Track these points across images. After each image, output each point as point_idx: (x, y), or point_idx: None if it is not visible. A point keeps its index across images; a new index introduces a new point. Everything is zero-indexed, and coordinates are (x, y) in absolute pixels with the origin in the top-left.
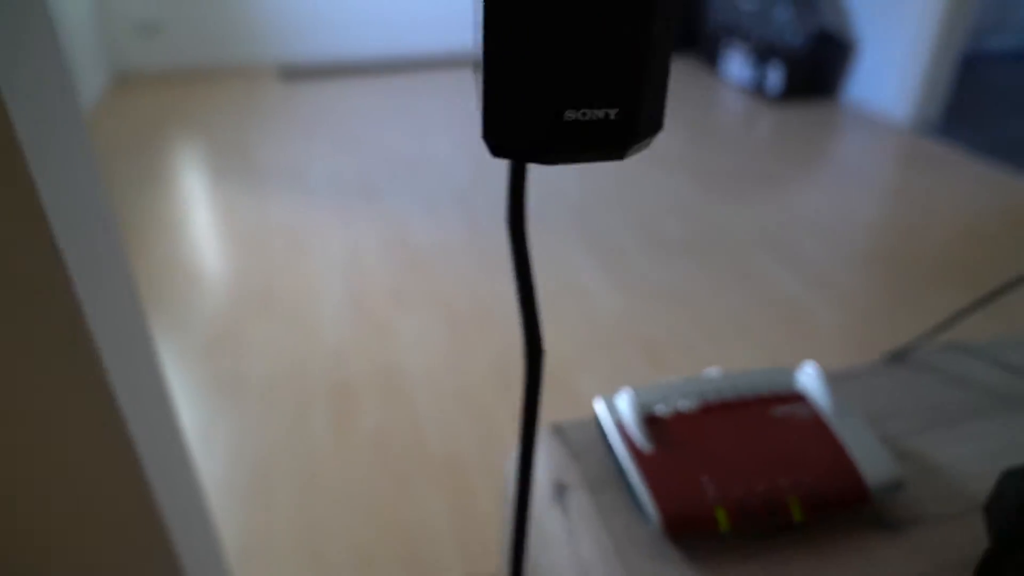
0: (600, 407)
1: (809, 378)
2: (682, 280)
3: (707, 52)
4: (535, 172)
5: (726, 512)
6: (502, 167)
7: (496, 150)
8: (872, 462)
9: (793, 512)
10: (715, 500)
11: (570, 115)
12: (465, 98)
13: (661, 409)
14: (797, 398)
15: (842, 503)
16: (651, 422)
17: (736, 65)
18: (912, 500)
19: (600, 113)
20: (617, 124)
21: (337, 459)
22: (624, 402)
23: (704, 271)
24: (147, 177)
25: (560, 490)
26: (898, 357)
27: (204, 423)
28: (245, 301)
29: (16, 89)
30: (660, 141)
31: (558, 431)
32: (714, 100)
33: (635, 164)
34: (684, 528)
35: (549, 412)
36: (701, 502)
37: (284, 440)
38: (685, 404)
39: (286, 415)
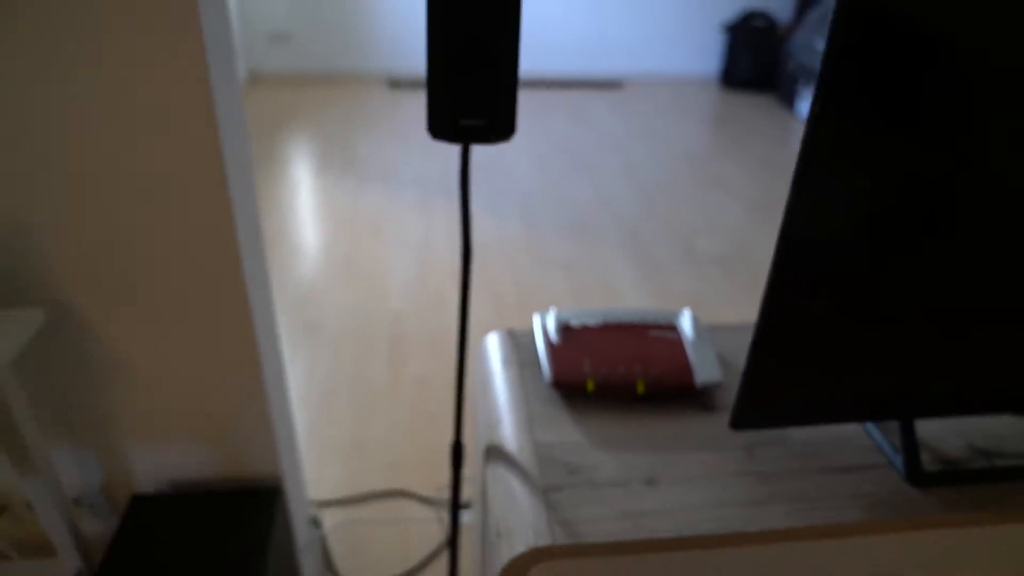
0: (536, 318)
1: (684, 318)
2: (708, 288)
3: (785, 92)
4: (600, 192)
5: (593, 381)
6: (560, 181)
7: (433, 135)
8: (704, 368)
9: (638, 387)
10: (588, 373)
11: (463, 122)
12: (540, 117)
13: (574, 323)
14: (671, 327)
15: (675, 388)
16: (564, 329)
17: (809, 104)
18: (729, 395)
19: (477, 121)
20: (485, 128)
21: (386, 393)
22: (551, 316)
23: (734, 285)
24: (266, 160)
25: (505, 363)
26: None
27: (289, 355)
28: (331, 268)
29: (219, 82)
30: (726, 169)
31: (511, 334)
32: (786, 137)
33: (701, 189)
34: (565, 387)
35: None
36: (579, 372)
37: (348, 374)
38: (591, 321)
39: (352, 357)
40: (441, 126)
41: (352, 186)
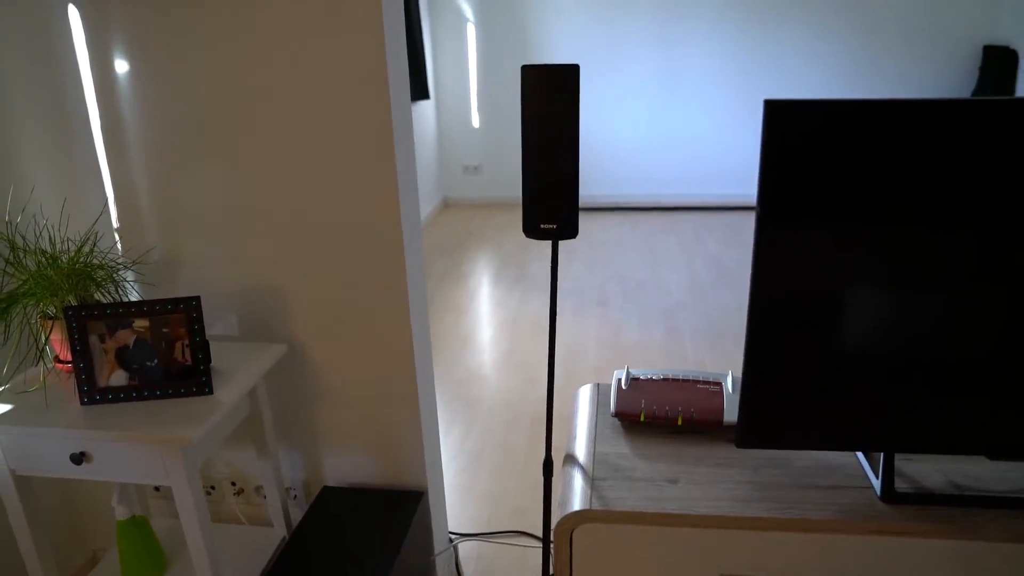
0: (615, 372)
1: (728, 377)
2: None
3: None
4: (741, 301)
5: (645, 414)
6: (706, 293)
7: (526, 235)
8: (733, 411)
9: (678, 420)
10: (642, 408)
11: (543, 225)
12: (693, 237)
13: (642, 376)
14: (716, 383)
15: (707, 423)
16: (633, 379)
17: None
18: None
19: (552, 225)
20: (557, 230)
21: (524, 458)
22: (625, 370)
23: None
24: (451, 272)
25: (590, 403)
26: None
27: (450, 420)
28: (493, 358)
29: (406, 216)
30: None
31: (597, 385)
32: None
33: None
34: (623, 416)
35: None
36: (636, 407)
37: (495, 440)
38: (655, 376)
39: (500, 428)
40: (530, 229)
41: (519, 295)
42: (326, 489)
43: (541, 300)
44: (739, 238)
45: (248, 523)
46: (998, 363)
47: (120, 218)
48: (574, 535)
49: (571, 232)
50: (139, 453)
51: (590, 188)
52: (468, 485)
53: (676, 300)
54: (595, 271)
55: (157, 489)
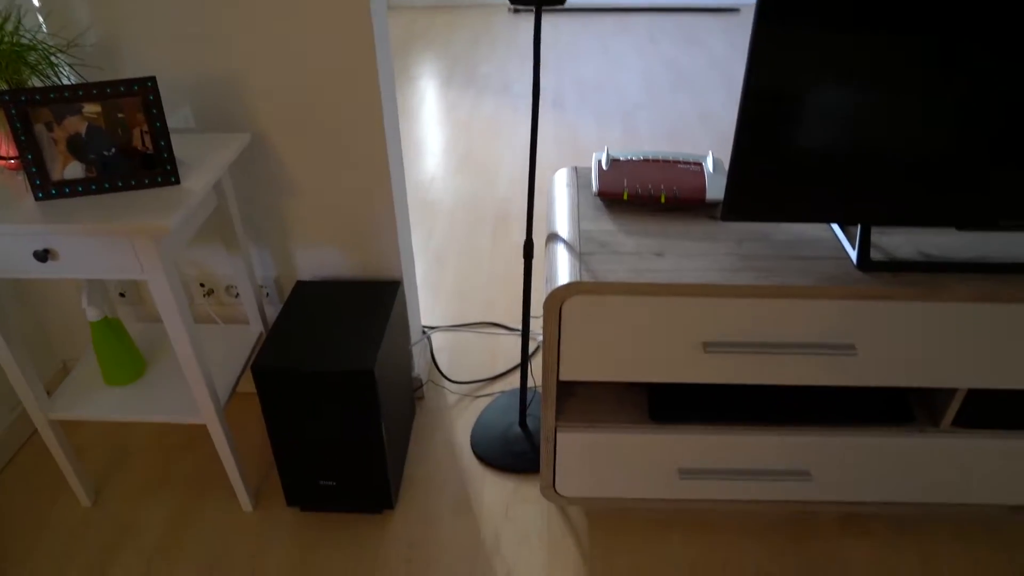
0: (594, 154)
1: (708, 157)
2: None
3: None
4: (700, 107)
5: (628, 192)
6: (663, 97)
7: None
8: (715, 189)
9: (661, 198)
10: (624, 187)
11: None
12: (654, 40)
13: (622, 157)
14: (696, 164)
15: (690, 200)
16: (613, 160)
17: None
18: None
19: None
20: None
21: (489, 255)
22: (604, 152)
23: None
24: (399, 76)
25: (568, 185)
26: None
27: (413, 221)
28: (450, 161)
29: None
30: None
31: (574, 168)
32: None
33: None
34: (607, 195)
35: None
36: (618, 186)
37: (459, 240)
38: (634, 157)
39: (463, 228)
40: None
41: (472, 98)
42: (300, 283)
43: (494, 102)
44: (694, 41)
45: (222, 322)
46: (968, 143)
47: None
48: (563, 308)
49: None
50: (110, 247)
51: None
52: (436, 283)
53: (633, 102)
54: (548, 73)
55: (123, 295)
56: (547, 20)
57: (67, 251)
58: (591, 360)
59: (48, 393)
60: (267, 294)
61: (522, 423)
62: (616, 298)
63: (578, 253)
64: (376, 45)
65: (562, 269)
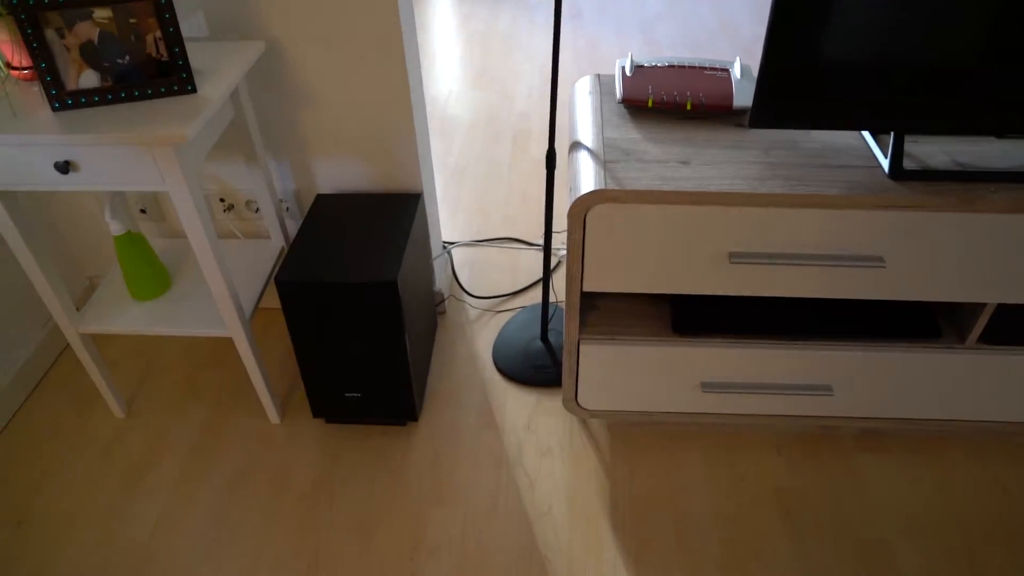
0: (617, 61)
1: (736, 63)
2: None
3: None
4: (721, 16)
5: (653, 99)
6: (683, 6)
7: None
8: (742, 96)
9: (687, 105)
10: (649, 94)
11: None
12: None
13: (646, 64)
14: (723, 70)
15: (716, 108)
16: (637, 67)
17: None
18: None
19: None
20: None
21: (509, 169)
22: (628, 58)
23: None
24: None
25: (591, 93)
26: None
27: (430, 136)
28: (467, 75)
29: None
30: None
31: (597, 76)
32: None
33: None
34: (631, 102)
35: None
36: (643, 93)
37: (478, 154)
38: (659, 63)
39: (482, 142)
40: None
41: (487, 10)
42: (320, 197)
43: (511, 14)
44: None
45: (244, 237)
46: (1009, 45)
47: None
48: (588, 216)
49: None
50: (130, 158)
51: None
52: (455, 198)
53: (653, 12)
54: None
55: (143, 211)
56: None
57: (88, 162)
58: (615, 271)
59: (77, 308)
60: (287, 208)
61: (543, 337)
62: (641, 207)
63: (602, 161)
64: None
65: (586, 177)
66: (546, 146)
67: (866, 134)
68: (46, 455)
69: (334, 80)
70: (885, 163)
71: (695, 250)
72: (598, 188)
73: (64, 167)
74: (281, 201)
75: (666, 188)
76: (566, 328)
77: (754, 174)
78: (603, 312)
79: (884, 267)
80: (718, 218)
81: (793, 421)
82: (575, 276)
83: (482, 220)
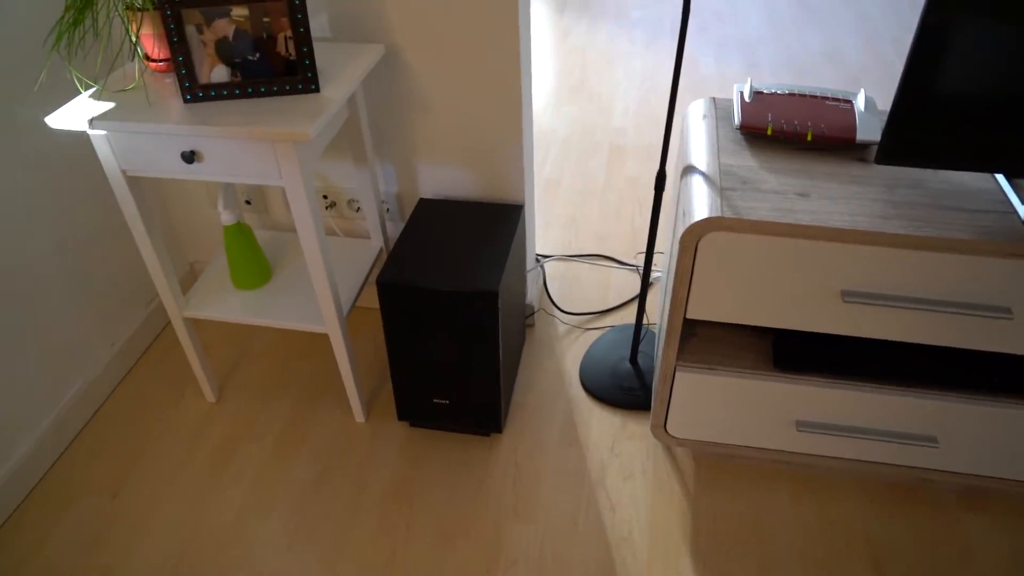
0: (735, 86)
1: (860, 95)
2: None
3: None
4: (827, 42)
5: (772, 127)
6: (787, 29)
7: None
8: (866, 129)
9: (807, 136)
10: (769, 122)
11: None
12: None
13: (766, 90)
14: (846, 101)
15: (838, 140)
16: (756, 93)
17: None
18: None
19: None
20: None
21: (603, 185)
22: (747, 84)
23: None
24: None
25: (705, 117)
26: None
27: None
28: (565, 87)
29: None
30: None
31: (712, 99)
32: None
33: None
34: (749, 129)
35: None
36: (762, 120)
37: (572, 168)
38: (779, 90)
39: (577, 156)
40: None
41: (586, 24)
42: (423, 201)
43: (609, 29)
44: None
45: (343, 235)
46: None
47: None
48: (700, 243)
49: None
50: (252, 151)
51: None
52: (548, 210)
53: (755, 34)
54: (663, 3)
55: (248, 202)
56: None
57: (212, 153)
58: (721, 300)
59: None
60: (387, 209)
61: (632, 359)
62: (756, 237)
63: (718, 188)
64: None
65: (700, 203)
66: (642, 164)
67: (1001, 178)
68: (141, 431)
69: (448, 87)
70: (1022, 210)
71: (807, 285)
72: (713, 216)
73: (190, 157)
74: (382, 202)
75: (784, 220)
76: (663, 353)
77: (876, 211)
78: (701, 339)
79: (1011, 319)
80: (835, 254)
81: (891, 470)
82: (679, 302)
83: (573, 234)
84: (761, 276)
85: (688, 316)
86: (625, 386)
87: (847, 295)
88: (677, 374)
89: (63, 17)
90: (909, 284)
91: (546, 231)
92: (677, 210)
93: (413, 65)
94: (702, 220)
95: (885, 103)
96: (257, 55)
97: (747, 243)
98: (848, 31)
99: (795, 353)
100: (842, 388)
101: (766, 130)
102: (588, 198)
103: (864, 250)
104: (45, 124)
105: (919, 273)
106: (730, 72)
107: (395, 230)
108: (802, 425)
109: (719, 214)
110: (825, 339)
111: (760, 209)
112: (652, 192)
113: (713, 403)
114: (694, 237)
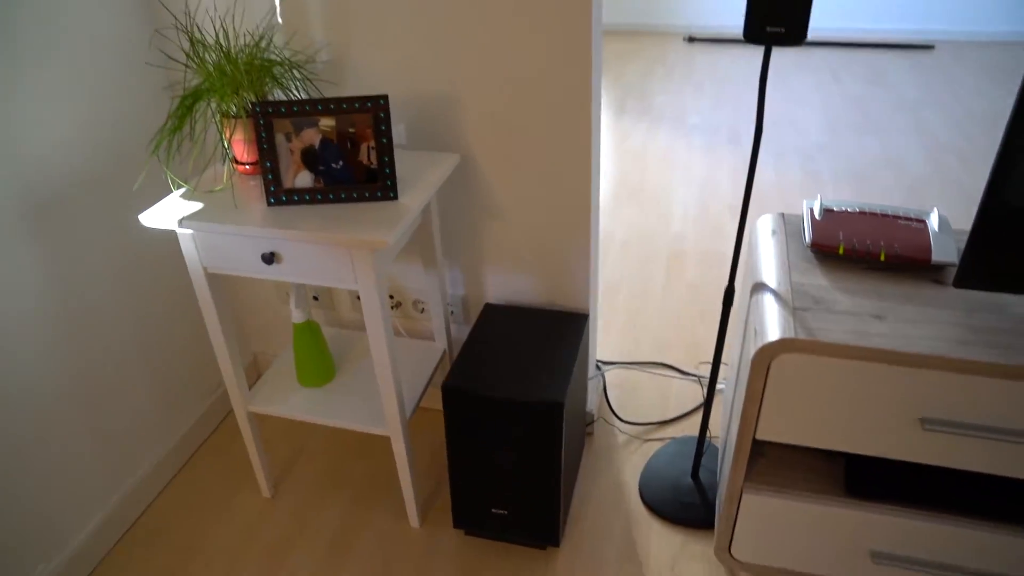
0: (804, 202)
1: (933, 214)
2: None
3: None
4: (887, 150)
5: (844, 246)
6: (846, 139)
7: (746, 39)
8: (941, 250)
9: (881, 256)
10: (840, 240)
11: (769, 28)
12: (829, 76)
13: (836, 208)
14: (919, 220)
15: (913, 260)
16: (827, 210)
17: None
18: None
19: (779, 28)
20: (784, 34)
21: (662, 291)
22: (817, 200)
23: None
24: None
25: (773, 233)
26: None
27: None
28: (624, 191)
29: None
30: None
31: (780, 215)
32: None
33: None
34: (820, 248)
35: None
36: (833, 239)
37: (631, 273)
38: (849, 208)
39: (636, 261)
40: (753, 32)
41: (645, 128)
42: (488, 306)
43: (669, 133)
44: (881, 80)
45: (407, 335)
46: None
47: (287, 14)
48: (772, 364)
49: (799, 36)
50: (330, 255)
51: (714, 17)
52: (607, 315)
53: (814, 142)
54: (724, 107)
55: (316, 298)
56: (726, 52)
57: (291, 256)
58: (792, 422)
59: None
60: (451, 312)
61: (694, 474)
62: (830, 360)
63: (791, 308)
64: (592, 74)
65: (773, 323)
66: (702, 271)
67: None
68: (198, 522)
69: (519, 195)
70: None
71: (884, 411)
72: (787, 337)
73: (270, 258)
74: (448, 305)
75: (861, 344)
76: (730, 473)
77: (955, 336)
78: (770, 460)
79: None
80: (914, 380)
81: None
82: (749, 422)
83: (632, 340)
84: (835, 399)
85: (758, 437)
86: (687, 502)
87: (927, 423)
88: (744, 496)
89: (165, 124)
90: (993, 413)
91: (604, 335)
92: (747, 327)
93: (485, 173)
94: (776, 341)
95: (951, 215)
96: (340, 163)
97: (821, 365)
98: (908, 139)
99: (869, 479)
100: (920, 519)
101: (838, 249)
102: (647, 303)
103: (945, 377)
104: (131, 218)
105: (1004, 402)
106: (789, 180)
107: (458, 332)
108: (877, 556)
109: (793, 335)
110: (902, 466)
111: (835, 331)
112: (713, 300)
113: (781, 528)
114: (767, 358)
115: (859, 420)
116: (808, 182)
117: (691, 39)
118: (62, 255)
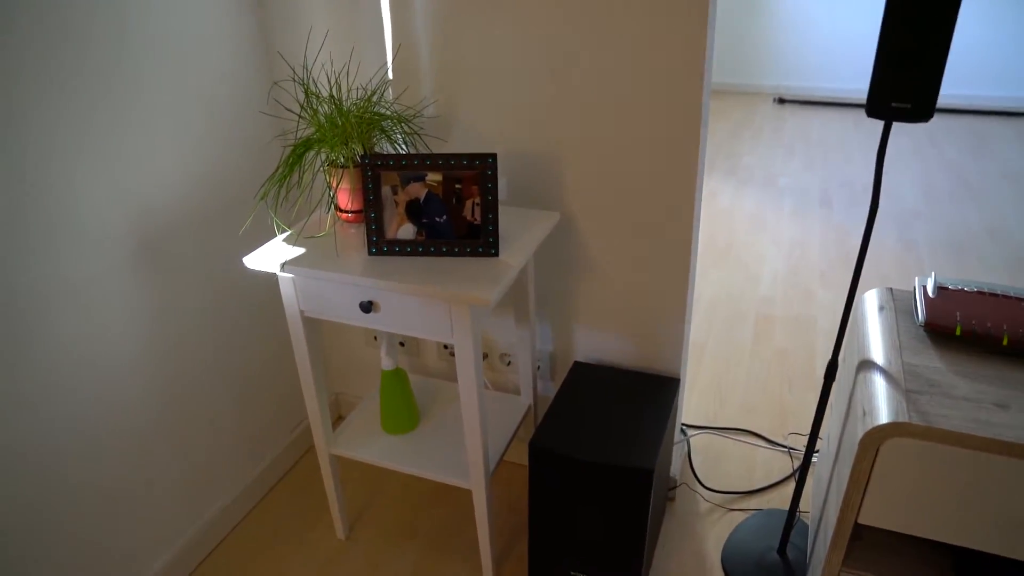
0: (917, 279)
1: None
2: None
3: None
4: (987, 219)
5: (962, 327)
6: (943, 206)
7: (868, 114)
8: None
9: (1003, 340)
10: (958, 321)
11: (894, 104)
12: (927, 142)
13: (952, 286)
14: None
15: None
16: (941, 288)
17: None
18: None
19: (905, 104)
20: (910, 110)
21: (750, 356)
22: (931, 277)
23: None
24: None
25: (881, 310)
26: None
27: None
28: (711, 251)
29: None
30: None
31: (889, 289)
32: None
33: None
34: (935, 328)
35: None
36: (950, 319)
37: (718, 335)
38: (966, 287)
39: (723, 323)
40: (877, 107)
41: (733, 188)
42: (577, 364)
43: (758, 195)
44: (981, 146)
45: (492, 388)
46: None
47: (398, 71)
48: (881, 448)
49: (927, 113)
50: (427, 308)
51: (805, 79)
52: (692, 378)
53: (910, 209)
54: (815, 170)
55: (402, 344)
56: (816, 114)
57: (389, 306)
58: (898, 509)
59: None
60: (538, 367)
61: (782, 550)
62: (946, 448)
63: (903, 390)
64: (700, 138)
65: (883, 405)
66: (791, 337)
67: None
68: (272, 560)
69: (617, 255)
70: None
71: (1003, 506)
72: (900, 421)
73: (367, 307)
74: (535, 360)
75: (982, 434)
76: (827, 556)
77: None
78: (868, 545)
79: None
80: None
81: None
82: (852, 506)
83: (718, 405)
84: (948, 489)
85: (860, 521)
86: None
87: None
88: None
89: (276, 171)
90: None
91: (689, 397)
92: (851, 405)
93: (583, 231)
94: (887, 424)
95: None
96: (444, 217)
97: (936, 453)
98: (1011, 207)
99: (979, 575)
100: None
101: (955, 330)
102: (733, 368)
103: None
104: (232, 259)
105: None
106: (885, 247)
107: (544, 389)
108: None
109: (906, 419)
110: (1018, 566)
111: (952, 418)
112: (802, 368)
113: None
114: (876, 441)
115: (973, 513)
116: (903, 251)
117: (781, 100)
118: (165, 292)
